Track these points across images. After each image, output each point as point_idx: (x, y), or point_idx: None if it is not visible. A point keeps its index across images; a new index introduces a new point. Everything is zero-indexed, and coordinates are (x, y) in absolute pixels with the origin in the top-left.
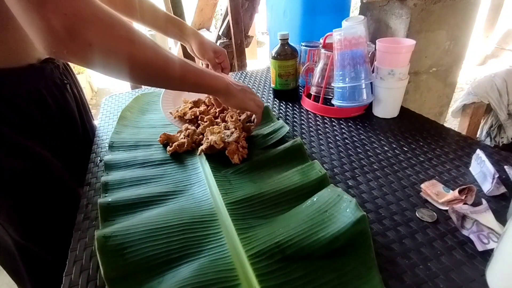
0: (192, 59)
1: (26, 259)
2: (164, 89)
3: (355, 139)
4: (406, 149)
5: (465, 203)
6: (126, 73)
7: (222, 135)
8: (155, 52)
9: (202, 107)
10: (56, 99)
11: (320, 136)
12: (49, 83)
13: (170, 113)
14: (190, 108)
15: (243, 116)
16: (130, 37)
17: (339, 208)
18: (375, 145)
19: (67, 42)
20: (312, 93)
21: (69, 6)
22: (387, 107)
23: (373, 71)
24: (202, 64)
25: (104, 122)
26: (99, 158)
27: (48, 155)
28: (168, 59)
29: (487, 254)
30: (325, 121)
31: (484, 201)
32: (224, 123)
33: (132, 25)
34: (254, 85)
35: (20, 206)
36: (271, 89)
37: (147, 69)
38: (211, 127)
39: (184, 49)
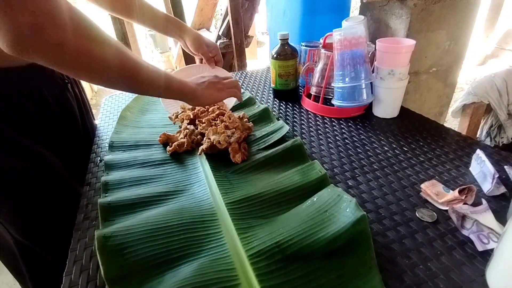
0: (191, 57)
1: (27, 258)
2: None
3: (355, 139)
4: (406, 149)
5: (465, 203)
6: (96, 75)
7: (226, 136)
8: (125, 55)
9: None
10: (56, 98)
11: (320, 136)
12: (49, 82)
13: (170, 118)
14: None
15: (241, 114)
16: (100, 39)
17: (339, 208)
18: (375, 145)
19: (32, 41)
20: (312, 93)
21: (38, 4)
22: (387, 107)
23: (373, 71)
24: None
25: (104, 122)
26: (99, 158)
27: (48, 155)
28: (137, 63)
29: (487, 254)
30: (325, 121)
31: (484, 201)
32: (223, 123)
33: (101, 28)
34: (254, 85)
35: (20, 205)
36: (271, 89)
37: (117, 72)
38: (214, 127)
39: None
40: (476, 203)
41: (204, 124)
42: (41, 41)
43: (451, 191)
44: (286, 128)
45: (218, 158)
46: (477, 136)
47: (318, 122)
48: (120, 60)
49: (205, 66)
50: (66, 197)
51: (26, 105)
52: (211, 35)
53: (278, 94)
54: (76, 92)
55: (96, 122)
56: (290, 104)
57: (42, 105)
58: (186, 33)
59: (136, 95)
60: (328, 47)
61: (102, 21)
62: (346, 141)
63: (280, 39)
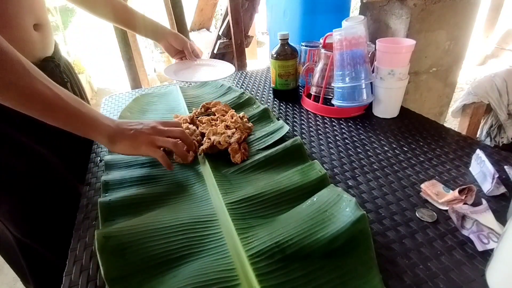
0: None
1: (27, 255)
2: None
3: (355, 139)
4: (406, 149)
5: (465, 203)
6: None
7: (226, 137)
8: (18, 73)
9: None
10: None
11: (320, 136)
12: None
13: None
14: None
15: (241, 114)
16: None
17: (339, 208)
18: (375, 145)
19: None
20: (312, 93)
21: None
22: (387, 107)
23: (373, 71)
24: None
25: None
26: (99, 158)
27: (48, 154)
28: (36, 85)
29: (487, 254)
30: (325, 121)
31: (484, 201)
32: (223, 123)
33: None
34: (254, 85)
35: (20, 204)
36: (271, 89)
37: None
38: (214, 127)
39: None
40: (476, 203)
41: (204, 124)
42: None
43: (451, 191)
44: (286, 128)
45: (218, 158)
46: (477, 136)
47: (318, 122)
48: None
49: (191, 61)
50: (66, 196)
51: None
52: (211, 35)
53: (278, 94)
54: (76, 92)
55: None
56: (290, 104)
57: None
58: (168, 33)
59: (136, 96)
60: (328, 47)
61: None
62: (346, 141)
63: (280, 39)
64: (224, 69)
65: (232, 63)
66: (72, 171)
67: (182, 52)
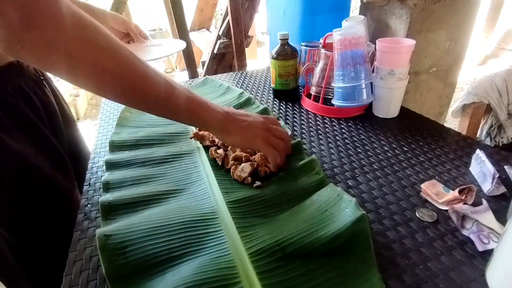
0: (191, 57)
1: (22, 259)
2: None
3: (355, 139)
4: (406, 149)
5: (465, 203)
6: (92, 84)
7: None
8: (131, 64)
9: None
10: (37, 94)
11: (320, 136)
12: (27, 78)
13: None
14: None
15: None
16: (98, 43)
17: (339, 208)
18: (375, 145)
19: (22, 36)
20: (312, 93)
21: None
22: (387, 107)
23: (373, 71)
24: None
25: (104, 122)
26: (99, 158)
27: (38, 154)
28: (148, 74)
29: (487, 254)
30: (325, 121)
31: (484, 201)
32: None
33: (107, 32)
34: (254, 85)
35: (11, 208)
36: (271, 89)
37: (118, 82)
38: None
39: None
40: (476, 203)
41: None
42: (30, 37)
43: (451, 191)
44: (287, 130)
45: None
46: (477, 136)
47: (318, 122)
48: (123, 70)
49: (141, 43)
50: (58, 197)
51: (14, 102)
52: (211, 35)
53: (278, 94)
54: (54, 89)
55: (96, 122)
56: (290, 104)
57: (27, 101)
58: (107, 15)
59: None
60: (328, 47)
61: None
62: (346, 141)
63: (280, 39)
64: (175, 45)
65: (232, 63)
66: (63, 173)
67: (128, 35)
